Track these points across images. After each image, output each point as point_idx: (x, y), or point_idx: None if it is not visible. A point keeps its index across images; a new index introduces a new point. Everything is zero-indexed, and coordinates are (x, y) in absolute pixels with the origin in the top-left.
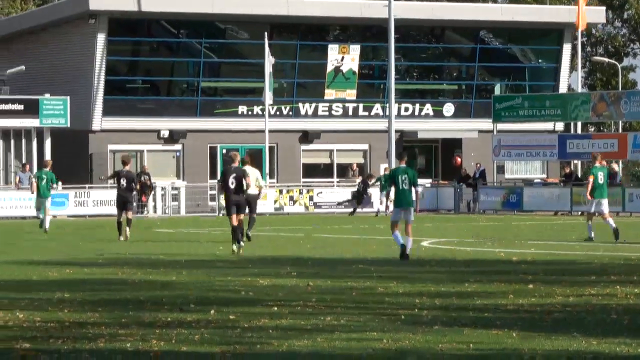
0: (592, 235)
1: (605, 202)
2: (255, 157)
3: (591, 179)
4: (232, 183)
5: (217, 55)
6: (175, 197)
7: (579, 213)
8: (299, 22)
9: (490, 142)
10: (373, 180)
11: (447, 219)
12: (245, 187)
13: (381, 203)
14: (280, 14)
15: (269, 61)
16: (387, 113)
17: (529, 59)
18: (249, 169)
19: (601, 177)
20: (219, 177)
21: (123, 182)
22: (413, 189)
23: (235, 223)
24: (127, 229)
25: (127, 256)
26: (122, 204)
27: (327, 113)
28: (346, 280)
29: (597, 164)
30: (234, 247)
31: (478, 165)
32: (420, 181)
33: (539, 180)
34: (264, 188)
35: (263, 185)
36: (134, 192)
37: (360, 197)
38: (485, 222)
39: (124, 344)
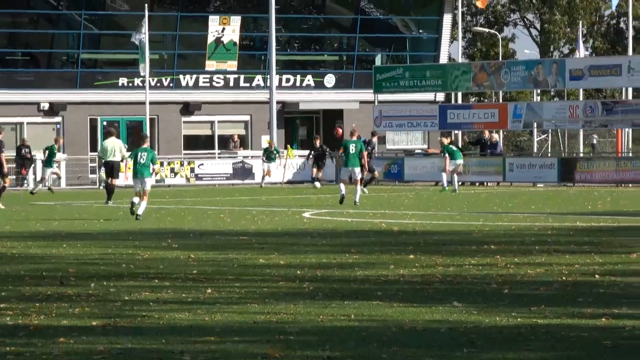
0: (343, 193)
1: (357, 170)
2: (136, 129)
3: (341, 150)
4: None
5: (97, 27)
6: None
7: (460, 183)
8: None
9: (372, 112)
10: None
11: (327, 190)
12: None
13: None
14: None
15: (146, 33)
16: (268, 84)
17: (409, 30)
18: (114, 140)
19: (352, 148)
20: (99, 151)
21: None
22: (151, 164)
23: None
24: None
25: (6, 229)
26: None
27: (208, 84)
28: (227, 252)
29: (353, 138)
30: None
31: (359, 136)
32: (301, 152)
33: (420, 151)
34: (127, 158)
35: (126, 155)
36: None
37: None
38: (368, 193)
39: (4, 318)
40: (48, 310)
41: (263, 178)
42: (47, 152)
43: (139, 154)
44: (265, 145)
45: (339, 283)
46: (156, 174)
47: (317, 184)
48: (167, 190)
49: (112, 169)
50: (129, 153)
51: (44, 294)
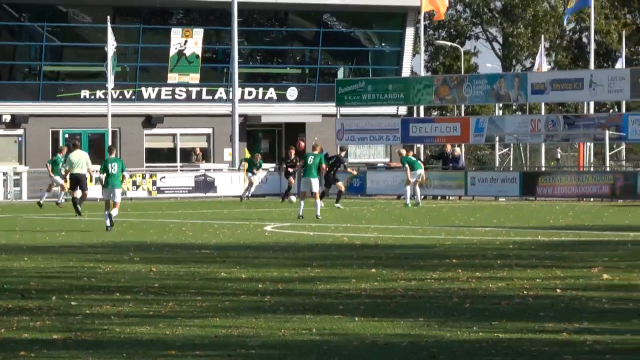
0: (302, 213)
1: (314, 182)
2: (98, 142)
3: (302, 162)
4: None
5: (59, 39)
6: (17, 183)
7: (422, 197)
8: (141, 6)
9: (334, 126)
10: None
11: (290, 204)
12: None
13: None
14: None
15: (111, 45)
16: (231, 97)
17: (372, 43)
18: (80, 152)
19: (310, 160)
20: (65, 163)
21: None
22: (121, 174)
23: None
24: None
25: None
26: None
27: (170, 97)
28: (189, 266)
29: (315, 152)
30: None
31: (321, 150)
32: (263, 165)
33: (382, 165)
34: (93, 171)
35: (92, 168)
36: None
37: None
38: (329, 207)
39: None
40: (9, 324)
41: (247, 189)
42: (51, 163)
43: (109, 164)
44: (227, 157)
45: (301, 297)
46: (126, 177)
47: (293, 197)
48: (129, 203)
49: (78, 182)
50: (95, 167)
51: (4, 307)
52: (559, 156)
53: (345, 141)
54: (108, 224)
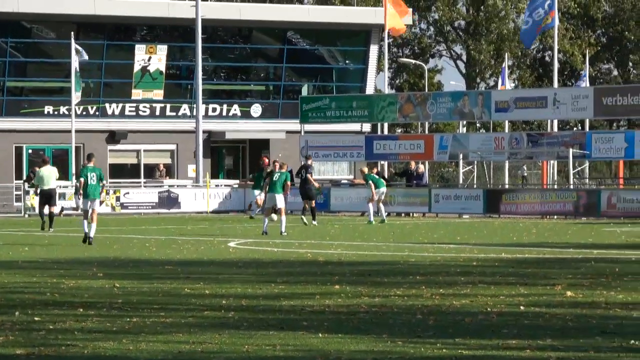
0: (266, 229)
1: (279, 197)
2: (61, 158)
3: (267, 180)
4: None
5: (23, 54)
6: None
7: (387, 214)
8: (105, 22)
9: (298, 142)
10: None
11: (254, 220)
12: None
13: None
14: (87, 13)
15: (75, 60)
16: (195, 113)
17: (336, 60)
18: (49, 168)
19: (276, 177)
20: (24, 177)
21: None
22: (100, 183)
23: None
24: None
25: None
26: None
27: (134, 113)
28: (153, 282)
29: (282, 170)
30: None
31: (286, 168)
32: (227, 182)
33: (346, 181)
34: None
35: (59, 183)
36: None
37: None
38: (293, 223)
39: None
40: None
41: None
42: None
43: (89, 174)
44: (191, 174)
45: (265, 313)
46: (101, 202)
47: (274, 215)
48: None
49: (49, 197)
50: (60, 182)
51: None
52: (525, 174)
53: None
54: (86, 229)
